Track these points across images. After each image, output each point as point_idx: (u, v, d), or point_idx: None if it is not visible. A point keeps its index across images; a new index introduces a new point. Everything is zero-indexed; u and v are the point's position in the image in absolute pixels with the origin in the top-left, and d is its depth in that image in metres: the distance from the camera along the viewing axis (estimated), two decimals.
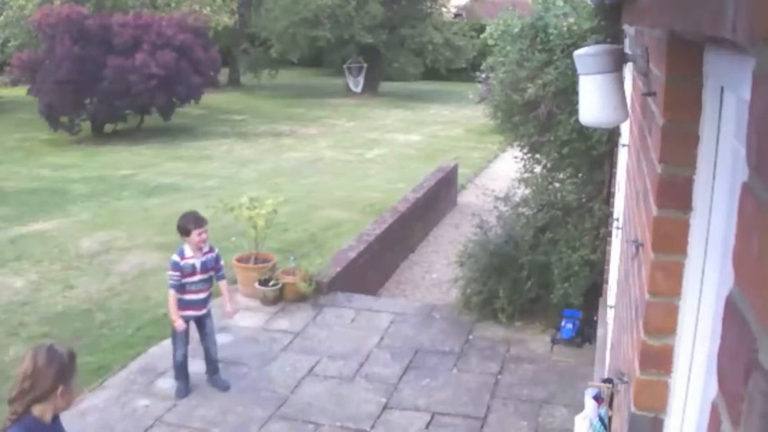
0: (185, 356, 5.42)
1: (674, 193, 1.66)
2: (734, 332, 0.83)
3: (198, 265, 5.27)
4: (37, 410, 2.70)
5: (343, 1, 24.05)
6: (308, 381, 5.71)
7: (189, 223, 5.23)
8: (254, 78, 27.76)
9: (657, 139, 1.75)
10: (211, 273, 5.41)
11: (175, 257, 5.25)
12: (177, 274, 5.21)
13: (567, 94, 6.03)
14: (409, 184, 11.38)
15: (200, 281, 5.32)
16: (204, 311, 5.43)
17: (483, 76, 7.45)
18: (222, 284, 5.54)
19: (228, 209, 7.14)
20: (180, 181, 12.99)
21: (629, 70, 3.40)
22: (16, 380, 2.72)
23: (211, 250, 5.41)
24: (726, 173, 1.39)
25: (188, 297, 5.30)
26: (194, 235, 5.20)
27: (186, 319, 5.32)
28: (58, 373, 2.70)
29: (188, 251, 5.26)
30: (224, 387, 5.55)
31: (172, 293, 5.24)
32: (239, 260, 7.29)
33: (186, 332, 5.37)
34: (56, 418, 2.79)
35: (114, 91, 16.14)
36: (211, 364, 5.60)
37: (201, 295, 5.35)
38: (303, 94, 26.24)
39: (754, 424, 0.70)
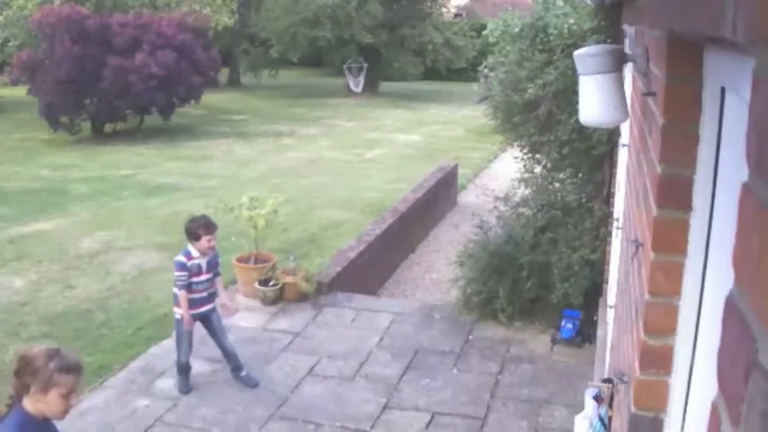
0: (188, 356, 5.46)
1: (674, 193, 1.66)
2: (734, 332, 0.83)
3: (204, 265, 5.32)
4: (29, 406, 2.69)
5: (344, 1, 24.05)
6: (308, 381, 5.71)
7: (200, 228, 5.25)
8: (254, 78, 27.75)
9: (657, 139, 1.75)
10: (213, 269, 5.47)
11: (182, 258, 5.26)
12: (185, 274, 5.23)
13: (567, 94, 6.02)
14: (409, 184, 11.37)
15: (207, 280, 5.37)
16: (212, 305, 5.47)
17: (486, 70, 7.43)
18: (218, 281, 5.55)
19: (228, 209, 7.14)
20: (180, 181, 12.99)
21: (629, 70, 3.40)
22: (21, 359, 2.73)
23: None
24: (726, 173, 1.39)
25: (197, 296, 5.33)
26: (204, 241, 5.23)
27: (195, 318, 5.37)
28: (61, 367, 2.69)
29: (194, 252, 5.27)
30: (253, 384, 5.57)
31: (183, 294, 5.25)
32: (239, 260, 7.29)
33: (191, 332, 5.40)
34: (48, 419, 2.78)
35: (114, 91, 16.12)
36: (232, 361, 5.60)
37: (206, 293, 5.41)
38: (303, 94, 26.24)
39: (754, 424, 0.70)
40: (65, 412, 2.75)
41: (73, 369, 2.74)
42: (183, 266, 5.23)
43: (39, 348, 2.75)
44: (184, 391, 5.46)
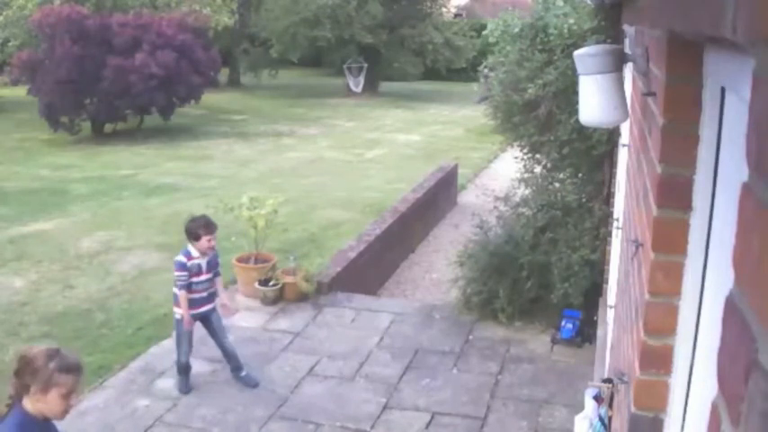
0: (188, 356, 5.46)
1: (674, 193, 1.66)
2: (734, 332, 0.83)
3: (204, 265, 5.33)
4: (29, 406, 2.69)
5: (344, 1, 24.05)
6: (308, 381, 5.71)
7: (200, 228, 5.25)
8: (254, 78, 27.75)
9: (657, 139, 1.75)
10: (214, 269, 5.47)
11: (182, 258, 5.26)
12: (185, 274, 5.23)
13: (567, 94, 6.02)
14: (409, 184, 11.37)
15: (207, 280, 5.38)
16: (212, 305, 5.47)
17: (486, 70, 7.43)
18: (218, 281, 5.55)
19: (228, 209, 7.14)
20: (180, 181, 12.99)
21: (629, 70, 3.40)
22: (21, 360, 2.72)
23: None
24: (726, 173, 1.39)
25: (197, 296, 5.34)
26: (204, 241, 5.24)
27: (195, 318, 5.37)
28: (61, 367, 2.69)
29: (194, 252, 5.28)
30: (253, 384, 5.57)
31: (183, 294, 5.26)
32: (239, 260, 7.29)
33: (191, 332, 5.40)
34: (48, 419, 2.78)
35: (114, 91, 16.12)
36: (232, 361, 5.61)
37: (206, 293, 5.41)
38: (303, 94, 26.23)
39: (754, 424, 0.70)
40: (65, 412, 2.75)
41: (73, 369, 2.74)
42: (182, 266, 5.24)
43: (39, 348, 2.75)
44: (184, 391, 5.47)
